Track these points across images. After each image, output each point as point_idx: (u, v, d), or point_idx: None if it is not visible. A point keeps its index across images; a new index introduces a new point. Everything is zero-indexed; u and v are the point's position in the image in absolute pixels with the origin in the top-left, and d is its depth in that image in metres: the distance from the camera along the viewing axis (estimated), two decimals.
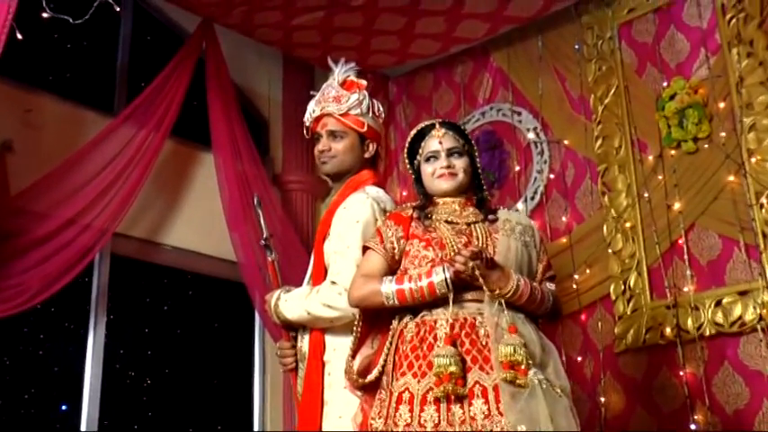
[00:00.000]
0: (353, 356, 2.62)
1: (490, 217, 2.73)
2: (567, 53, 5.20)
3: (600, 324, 4.64)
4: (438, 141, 2.76)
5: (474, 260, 2.45)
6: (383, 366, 2.57)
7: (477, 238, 2.63)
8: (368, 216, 2.89)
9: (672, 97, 4.58)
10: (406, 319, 2.59)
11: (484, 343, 2.43)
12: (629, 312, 4.56)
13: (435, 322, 2.51)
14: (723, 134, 4.38)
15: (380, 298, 2.57)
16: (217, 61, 5.28)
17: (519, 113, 5.31)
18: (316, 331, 2.89)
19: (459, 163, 2.75)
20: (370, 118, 3.11)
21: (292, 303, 2.91)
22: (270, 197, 5.40)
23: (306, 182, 5.88)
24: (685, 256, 4.42)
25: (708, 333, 4.23)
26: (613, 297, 4.63)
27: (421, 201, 2.80)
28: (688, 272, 4.39)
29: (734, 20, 4.51)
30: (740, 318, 4.15)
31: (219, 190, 5.16)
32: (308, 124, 3.18)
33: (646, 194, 4.62)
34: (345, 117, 3.06)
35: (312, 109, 3.15)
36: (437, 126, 2.80)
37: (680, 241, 4.47)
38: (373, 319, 2.67)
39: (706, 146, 4.46)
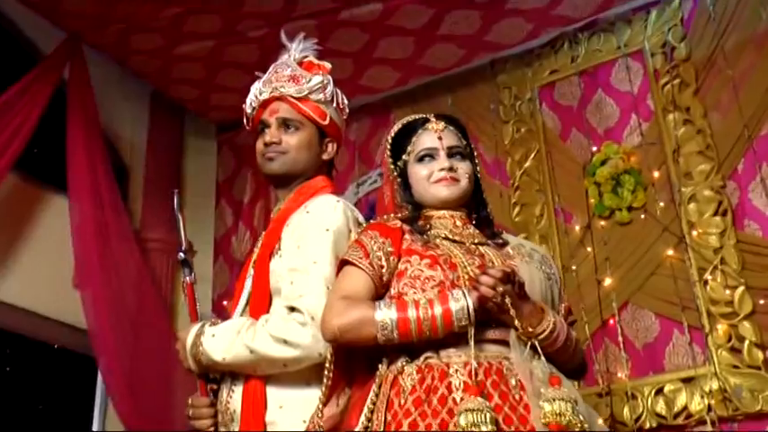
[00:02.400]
0: (322, 413, 1.87)
1: (497, 240, 2.10)
2: (480, 113, 4.75)
3: None
4: (437, 137, 2.14)
5: (505, 284, 1.80)
6: (366, 428, 1.83)
7: (492, 262, 1.98)
8: (340, 224, 2.19)
9: (604, 162, 4.18)
10: (401, 362, 1.87)
11: (517, 397, 1.76)
12: None
13: (448, 366, 1.81)
14: (662, 204, 4.00)
15: (372, 329, 1.84)
16: (82, 88, 4.47)
17: None
18: (254, 380, 2.09)
19: (463, 167, 2.13)
20: (334, 110, 2.44)
21: (225, 339, 2.11)
22: (133, 255, 4.56)
23: (167, 242, 5.02)
24: (619, 338, 3.92)
25: (648, 425, 3.72)
26: None
27: (408, 212, 2.13)
28: (622, 354, 3.89)
29: (668, 86, 4.22)
30: (685, 408, 3.66)
31: (72, 240, 4.26)
32: (250, 111, 2.46)
33: (573, 268, 4.13)
34: (304, 103, 2.37)
35: (258, 90, 2.43)
36: (433, 119, 2.18)
37: (612, 321, 3.97)
38: (342, 364, 1.95)
39: (642, 216, 4.05)
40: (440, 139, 2.12)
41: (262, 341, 2.04)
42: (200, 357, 2.14)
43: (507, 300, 1.78)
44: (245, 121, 2.50)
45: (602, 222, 4.16)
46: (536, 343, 1.81)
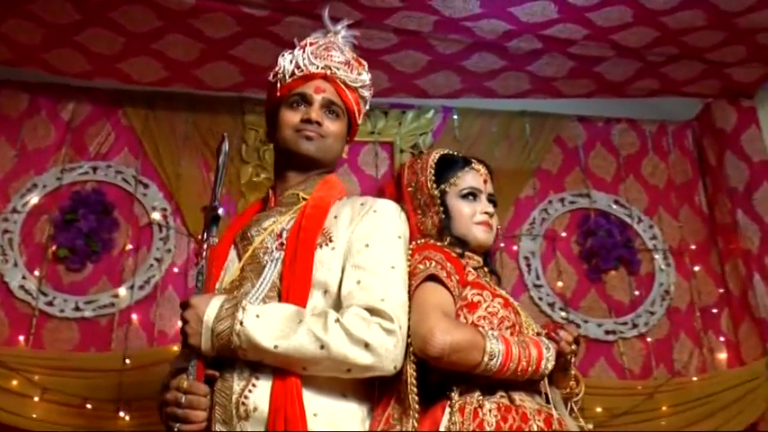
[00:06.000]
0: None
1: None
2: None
3: None
4: (482, 179, 2.19)
5: (576, 344, 1.88)
6: None
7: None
8: (407, 235, 2.06)
9: None
10: (477, 396, 1.81)
11: None
12: None
13: (525, 409, 1.81)
14: None
15: (478, 356, 1.79)
16: None
17: (147, 186, 4.40)
18: (292, 378, 1.79)
19: (496, 218, 2.20)
20: (364, 113, 2.30)
21: (277, 324, 1.79)
22: None
23: None
24: None
25: None
26: None
27: (452, 243, 2.09)
28: None
29: None
30: None
31: None
32: (286, 77, 2.19)
33: None
34: (351, 93, 2.20)
35: (306, 59, 2.20)
36: (475, 162, 2.21)
37: None
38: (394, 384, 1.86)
39: None
40: (485, 182, 2.16)
41: (336, 337, 1.77)
42: (230, 337, 1.79)
43: (573, 359, 1.86)
44: (278, 87, 2.20)
45: None
46: (573, 405, 1.90)
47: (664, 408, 4.09)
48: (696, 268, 4.62)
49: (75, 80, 4.47)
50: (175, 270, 4.23)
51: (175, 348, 3.95)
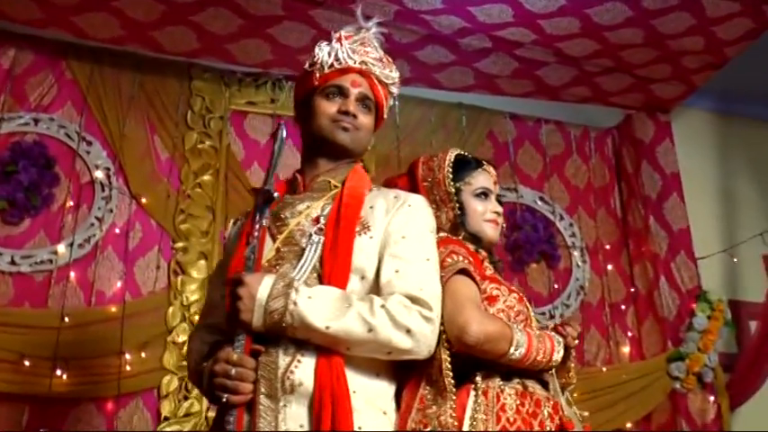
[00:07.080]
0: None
1: None
2: (166, 107, 4.53)
3: (135, 419, 3.87)
4: (493, 181, 2.36)
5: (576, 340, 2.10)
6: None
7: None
8: (435, 229, 2.19)
9: None
10: (498, 381, 1.99)
11: None
12: (181, 415, 3.91)
13: (539, 396, 2.01)
14: None
15: (506, 346, 1.97)
16: None
17: (90, 143, 4.32)
18: (336, 357, 1.89)
19: (502, 216, 2.37)
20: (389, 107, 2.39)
21: (329, 306, 1.88)
22: None
23: None
24: None
25: None
26: (164, 393, 3.92)
27: (466, 238, 2.26)
28: None
29: None
30: None
31: None
32: (324, 68, 2.23)
33: None
34: (383, 89, 2.29)
35: (345, 53, 2.22)
36: (486, 164, 2.38)
37: None
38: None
39: None
40: (495, 184, 2.33)
41: (382, 322, 1.88)
42: (283, 316, 1.87)
43: (574, 353, 2.06)
44: (315, 76, 2.24)
45: None
46: (567, 394, 2.11)
47: (574, 394, 4.39)
48: (609, 267, 4.98)
49: (17, 26, 4.33)
50: (116, 231, 4.20)
51: (114, 309, 3.98)
